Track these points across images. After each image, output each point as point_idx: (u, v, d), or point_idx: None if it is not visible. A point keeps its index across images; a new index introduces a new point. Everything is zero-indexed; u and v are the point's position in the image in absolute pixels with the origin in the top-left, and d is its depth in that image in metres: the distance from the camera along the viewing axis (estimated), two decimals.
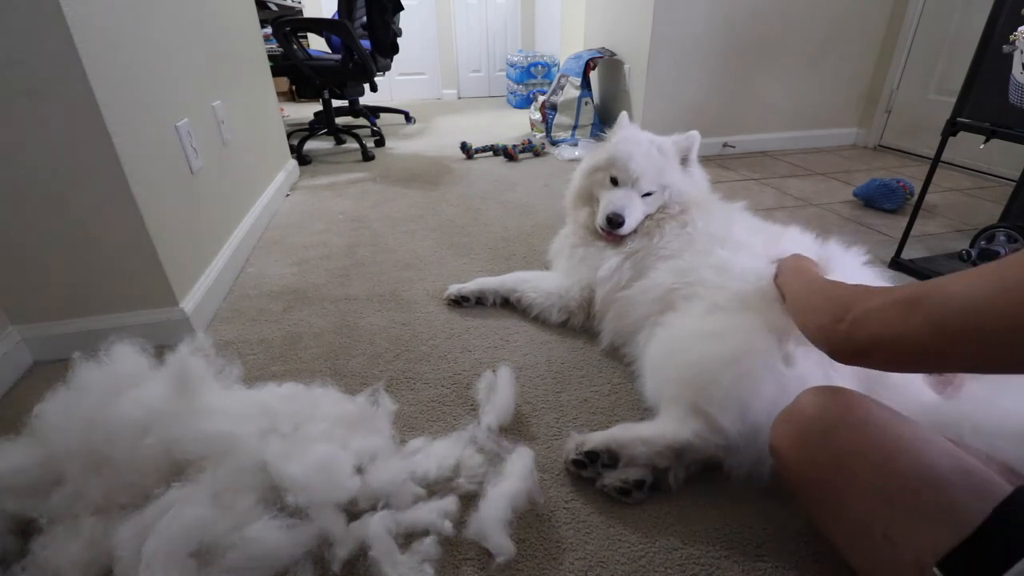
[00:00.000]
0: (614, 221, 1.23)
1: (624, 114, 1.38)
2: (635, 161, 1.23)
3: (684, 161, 1.29)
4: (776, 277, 0.95)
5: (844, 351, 0.61)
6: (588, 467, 0.87)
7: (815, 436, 0.63)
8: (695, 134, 1.27)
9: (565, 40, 4.21)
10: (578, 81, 3.00)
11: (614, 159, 1.27)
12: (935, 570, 0.49)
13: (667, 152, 1.26)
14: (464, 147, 2.94)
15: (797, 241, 1.10)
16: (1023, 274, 0.46)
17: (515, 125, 3.81)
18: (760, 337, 0.86)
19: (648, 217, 1.26)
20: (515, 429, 1.00)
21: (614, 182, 1.28)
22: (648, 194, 1.25)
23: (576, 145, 2.96)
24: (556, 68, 4.35)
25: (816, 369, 0.81)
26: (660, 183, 1.25)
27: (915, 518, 0.53)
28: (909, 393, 0.81)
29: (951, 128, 1.45)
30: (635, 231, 1.26)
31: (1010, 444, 0.68)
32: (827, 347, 0.64)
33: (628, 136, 1.31)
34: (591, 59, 2.98)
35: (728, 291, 0.98)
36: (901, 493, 0.55)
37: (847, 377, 0.80)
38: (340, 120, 3.25)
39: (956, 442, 0.64)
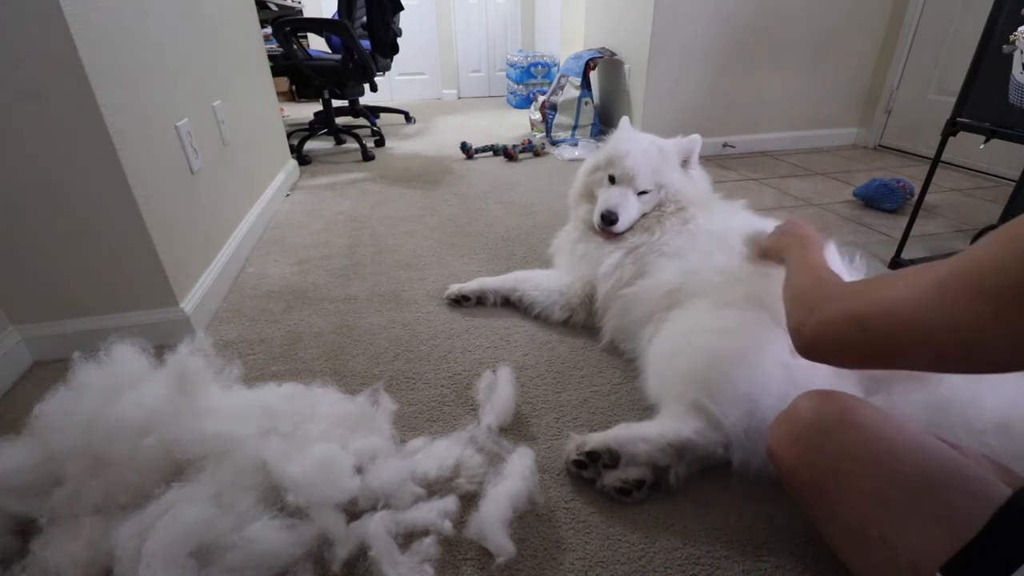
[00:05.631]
0: (608, 218, 1.24)
1: (625, 118, 1.40)
2: (631, 158, 1.24)
3: (685, 163, 1.30)
4: (777, 238, 0.93)
5: (807, 354, 0.61)
6: (589, 467, 0.87)
7: (812, 439, 0.63)
8: (697, 137, 1.28)
9: (565, 40, 4.21)
10: (578, 81, 3.00)
11: (612, 157, 1.29)
12: (938, 575, 0.48)
13: (667, 152, 1.27)
14: (464, 147, 2.94)
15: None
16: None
17: (515, 125, 3.81)
18: (768, 334, 0.86)
19: (645, 215, 1.27)
20: (515, 429, 1.00)
21: (612, 180, 1.29)
22: (644, 192, 1.26)
23: (576, 145, 2.96)
24: (556, 68, 4.35)
25: (819, 369, 0.80)
26: (656, 182, 1.25)
27: (912, 522, 0.53)
28: (908, 393, 0.81)
29: (951, 128, 1.45)
30: (632, 228, 1.27)
31: (997, 440, 0.68)
32: (796, 346, 0.64)
33: (626, 135, 1.32)
34: (591, 59, 2.98)
35: (734, 288, 0.98)
36: (898, 497, 0.55)
37: (852, 372, 0.79)
38: (340, 120, 3.26)
39: (953, 444, 0.65)
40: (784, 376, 0.81)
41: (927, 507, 0.52)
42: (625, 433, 0.87)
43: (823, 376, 0.79)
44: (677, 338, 0.98)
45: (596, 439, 0.87)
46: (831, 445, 0.61)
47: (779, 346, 0.84)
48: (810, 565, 0.75)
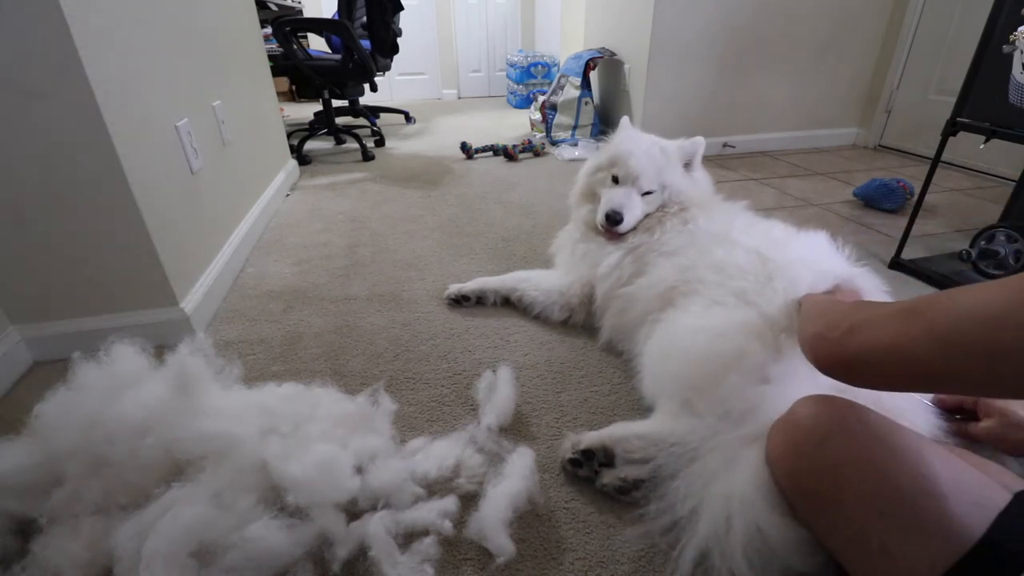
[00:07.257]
0: (612, 218, 1.24)
1: (626, 118, 1.39)
2: (635, 159, 1.24)
3: (688, 165, 1.30)
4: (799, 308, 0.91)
5: (832, 360, 0.59)
6: (584, 466, 0.87)
7: (810, 446, 0.62)
8: (700, 140, 1.28)
9: (565, 40, 4.21)
10: (578, 81, 3.00)
11: (615, 158, 1.29)
12: None
13: (670, 154, 1.27)
14: (464, 147, 2.94)
15: (786, 233, 1.10)
16: None
17: (515, 125, 3.81)
18: (757, 333, 0.86)
19: (648, 215, 1.27)
20: (515, 429, 1.00)
21: (615, 181, 1.29)
22: (648, 193, 1.26)
23: (576, 145, 2.96)
24: (556, 68, 4.35)
25: (803, 366, 0.80)
26: (660, 182, 1.26)
27: (911, 531, 0.52)
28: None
29: (951, 128, 1.45)
30: (635, 228, 1.27)
31: None
32: (814, 356, 0.61)
33: (629, 136, 1.32)
34: (591, 59, 2.98)
35: (726, 288, 0.98)
36: (896, 505, 0.54)
37: None
38: (340, 120, 3.25)
39: (965, 438, 0.64)
40: (769, 375, 0.80)
41: (926, 516, 0.52)
42: (619, 431, 0.87)
43: (801, 375, 0.77)
44: (669, 338, 0.98)
45: (591, 437, 0.87)
46: (830, 452, 0.60)
47: (765, 346, 0.84)
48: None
